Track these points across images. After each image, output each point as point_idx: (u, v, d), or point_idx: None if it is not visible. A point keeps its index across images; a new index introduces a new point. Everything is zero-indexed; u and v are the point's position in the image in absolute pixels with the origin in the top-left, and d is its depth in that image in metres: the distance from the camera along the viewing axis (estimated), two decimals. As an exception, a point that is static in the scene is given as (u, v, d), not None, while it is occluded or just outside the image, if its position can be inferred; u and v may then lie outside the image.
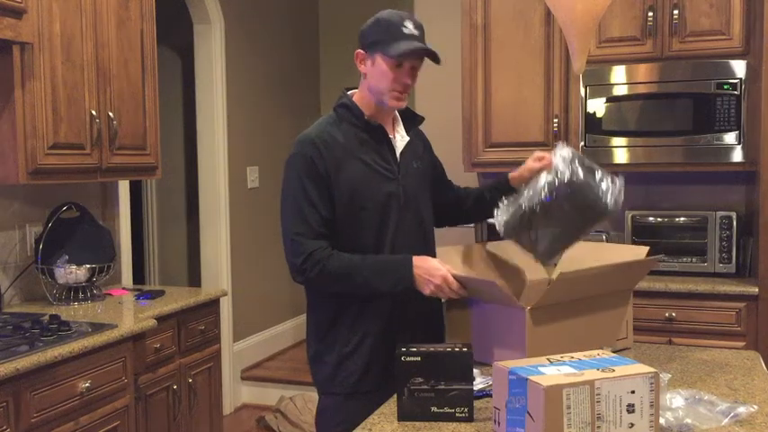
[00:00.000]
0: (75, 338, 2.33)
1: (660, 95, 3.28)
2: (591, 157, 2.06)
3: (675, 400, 1.55)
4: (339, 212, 1.91)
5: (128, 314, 2.80)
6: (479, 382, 1.68)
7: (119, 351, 2.51)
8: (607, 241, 3.41)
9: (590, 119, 3.35)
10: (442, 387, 1.53)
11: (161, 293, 3.13)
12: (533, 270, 2.04)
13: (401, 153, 2.02)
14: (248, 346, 4.92)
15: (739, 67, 3.14)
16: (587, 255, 2.07)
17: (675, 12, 3.23)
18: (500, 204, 1.97)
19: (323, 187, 1.89)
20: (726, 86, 3.15)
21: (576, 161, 1.91)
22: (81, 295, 2.95)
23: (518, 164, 2.10)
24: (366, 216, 1.93)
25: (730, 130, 3.15)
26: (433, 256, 1.99)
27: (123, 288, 3.30)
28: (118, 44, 2.99)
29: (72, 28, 2.75)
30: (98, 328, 2.48)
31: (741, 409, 1.51)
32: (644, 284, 3.05)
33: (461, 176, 3.10)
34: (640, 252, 2.07)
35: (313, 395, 3.14)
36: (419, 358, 1.53)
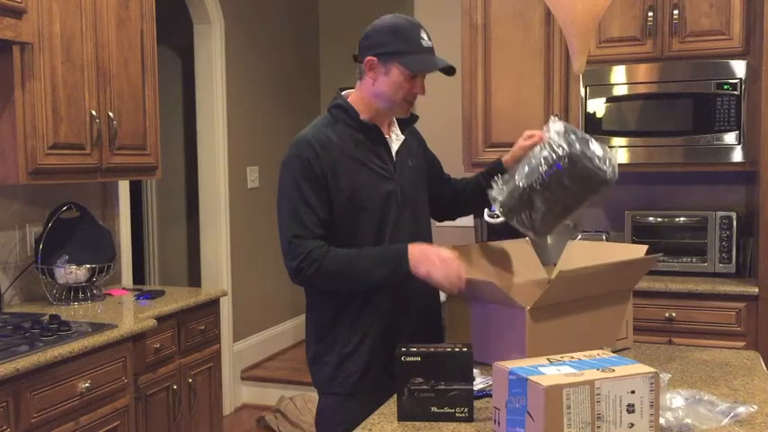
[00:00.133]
0: (75, 338, 2.33)
1: (660, 95, 3.28)
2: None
3: (675, 400, 1.55)
4: (338, 213, 1.91)
5: (128, 314, 2.80)
6: (479, 382, 1.68)
7: (119, 351, 2.51)
8: (607, 241, 3.41)
9: (590, 119, 3.35)
10: (442, 387, 1.53)
11: (161, 293, 3.13)
12: (533, 270, 2.04)
13: (397, 152, 2.02)
14: (248, 346, 4.92)
15: (739, 67, 3.14)
16: (586, 254, 2.07)
17: (675, 12, 3.23)
18: (494, 185, 1.97)
19: (319, 188, 1.88)
20: (726, 86, 3.15)
21: (571, 134, 1.91)
22: (81, 295, 2.95)
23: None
24: (365, 216, 1.93)
25: (730, 130, 3.15)
26: None
27: (123, 288, 3.30)
28: (118, 44, 3.00)
29: (72, 28, 2.75)
30: (98, 328, 2.48)
31: (741, 409, 1.51)
32: (644, 284, 3.05)
33: (461, 176, 3.09)
34: (639, 251, 2.07)
35: (313, 395, 3.14)
36: (419, 358, 1.53)
